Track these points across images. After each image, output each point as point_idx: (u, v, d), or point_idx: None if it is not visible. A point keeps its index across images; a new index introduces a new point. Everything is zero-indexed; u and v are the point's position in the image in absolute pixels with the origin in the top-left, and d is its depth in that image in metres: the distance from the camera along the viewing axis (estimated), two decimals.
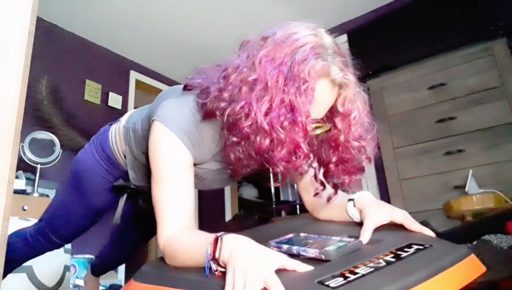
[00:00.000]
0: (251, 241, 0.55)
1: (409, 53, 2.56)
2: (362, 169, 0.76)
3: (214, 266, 0.54)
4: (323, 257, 0.55)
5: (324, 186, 0.81)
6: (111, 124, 1.05)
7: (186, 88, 0.80)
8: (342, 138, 0.70)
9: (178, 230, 0.67)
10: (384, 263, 0.50)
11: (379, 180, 2.71)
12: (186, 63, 3.85)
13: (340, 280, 0.45)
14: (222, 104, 0.67)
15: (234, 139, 0.66)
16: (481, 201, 1.92)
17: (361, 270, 0.48)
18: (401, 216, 0.70)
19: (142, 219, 1.05)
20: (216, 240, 0.55)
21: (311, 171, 0.84)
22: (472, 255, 0.51)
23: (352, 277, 0.46)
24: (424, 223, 1.64)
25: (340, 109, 0.69)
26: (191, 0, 2.94)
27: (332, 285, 0.44)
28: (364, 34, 2.92)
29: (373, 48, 2.79)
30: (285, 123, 0.60)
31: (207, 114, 0.72)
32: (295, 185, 0.98)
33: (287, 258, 0.52)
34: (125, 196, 1.05)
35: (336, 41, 0.69)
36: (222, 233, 0.57)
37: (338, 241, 0.60)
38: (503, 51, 2.24)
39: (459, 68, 2.36)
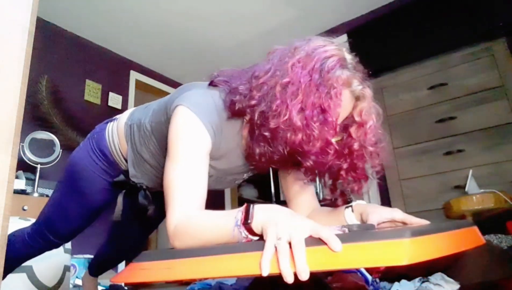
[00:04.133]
0: (284, 208, 0.57)
1: (409, 53, 2.56)
2: (367, 177, 0.80)
3: (244, 232, 0.56)
4: (346, 230, 0.55)
5: (334, 193, 0.83)
6: (107, 123, 1.04)
7: (211, 84, 0.84)
8: (356, 145, 0.74)
9: (192, 210, 0.67)
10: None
11: (379, 180, 2.71)
12: (186, 63, 3.85)
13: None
14: (253, 102, 0.72)
15: (266, 133, 0.70)
16: (481, 201, 1.92)
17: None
18: (401, 213, 0.75)
19: (140, 217, 1.05)
20: (247, 208, 0.58)
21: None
22: (475, 227, 0.50)
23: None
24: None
25: (357, 119, 0.73)
26: (191, 0, 2.94)
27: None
28: (364, 34, 2.92)
29: (373, 48, 2.79)
30: (317, 123, 0.66)
31: (235, 113, 0.77)
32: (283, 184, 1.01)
33: (323, 227, 0.52)
34: (123, 192, 1.04)
35: (354, 58, 0.76)
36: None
37: (352, 225, 0.62)
38: (503, 51, 2.24)
39: (459, 68, 2.36)
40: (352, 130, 0.75)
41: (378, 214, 0.75)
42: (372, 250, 0.43)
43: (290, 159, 0.74)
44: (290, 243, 0.48)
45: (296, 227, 0.50)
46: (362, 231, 0.54)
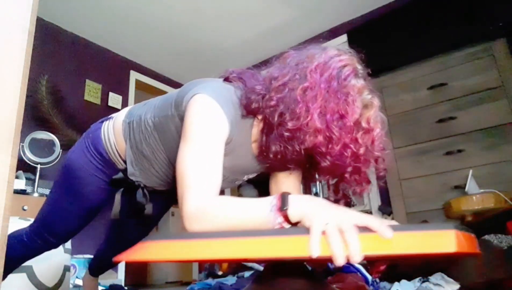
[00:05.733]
0: (318, 198, 0.60)
1: (409, 53, 2.56)
2: (370, 181, 0.83)
3: (279, 219, 0.57)
4: None
5: (337, 194, 0.84)
6: (102, 122, 1.03)
7: (226, 80, 0.86)
8: (362, 150, 0.76)
9: (211, 194, 0.67)
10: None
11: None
12: (186, 63, 3.85)
13: None
14: (272, 103, 0.75)
15: (286, 134, 0.73)
16: (481, 201, 1.92)
17: None
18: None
19: (138, 215, 1.05)
20: (282, 195, 0.59)
21: (298, 174, 0.94)
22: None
23: None
24: (424, 223, 1.64)
25: (365, 125, 0.76)
26: (191, 0, 2.94)
27: None
28: (364, 34, 2.92)
29: (373, 48, 2.78)
30: (337, 127, 0.70)
31: (250, 111, 0.80)
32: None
33: (370, 216, 0.53)
34: (121, 190, 1.04)
35: (364, 69, 0.80)
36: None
37: None
38: (503, 51, 2.24)
39: (459, 68, 2.36)
40: (359, 136, 0.76)
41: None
42: (422, 238, 0.46)
43: (306, 159, 0.77)
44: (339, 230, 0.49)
45: (344, 215, 0.52)
46: (406, 225, 0.56)
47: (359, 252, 0.47)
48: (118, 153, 0.98)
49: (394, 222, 0.68)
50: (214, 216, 0.63)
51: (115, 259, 0.59)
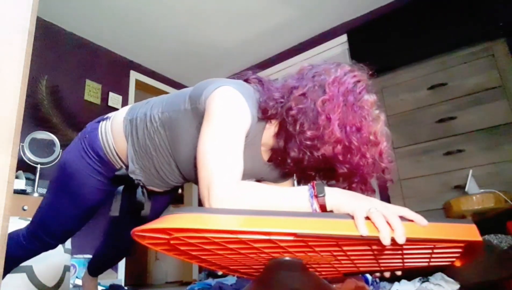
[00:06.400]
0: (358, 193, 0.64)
1: (409, 53, 2.56)
2: (374, 190, 0.86)
3: (315, 205, 0.61)
4: None
5: None
6: (98, 122, 1.03)
7: (246, 81, 0.90)
8: (371, 162, 0.79)
9: (239, 181, 0.67)
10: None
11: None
12: (186, 63, 3.85)
13: None
14: (292, 112, 0.78)
15: (307, 142, 0.77)
16: (481, 201, 1.92)
17: None
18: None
19: (137, 214, 1.04)
20: (316, 183, 0.63)
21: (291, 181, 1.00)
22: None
23: None
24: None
25: (372, 138, 0.79)
26: (191, 0, 2.94)
27: None
28: (364, 34, 2.92)
29: (373, 48, 2.79)
30: (355, 138, 0.74)
31: (267, 116, 0.83)
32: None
33: (404, 208, 0.57)
34: (121, 188, 1.04)
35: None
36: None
37: None
38: (503, 51, 2.24)
39: (459, 68, 2.36)
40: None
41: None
42: (452, 228, 0.54)
43: (323, 166, 0.81)
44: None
45: (382, 204, 0.56)
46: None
47: (403, 233, 0.50)
48: (116, 153, 0.98)
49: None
50: (250, 201, 0.62)
51: (136, 230, 0.51)
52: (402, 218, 0.54)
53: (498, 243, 1.18)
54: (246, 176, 0.95)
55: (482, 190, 1.97)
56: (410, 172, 2.40)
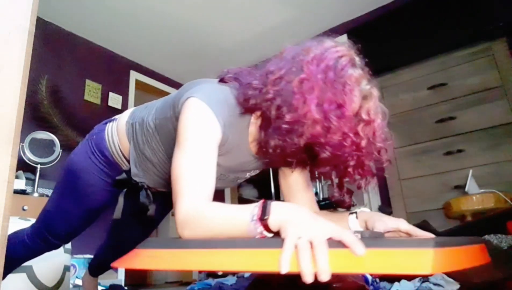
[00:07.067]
0: (303, 208, 0.58)
1: (409, 53, 2.56)
2: (374, 174, 0.82)
3: (260, 228, 0.56)
4: (359, 236, 0.53)
5: (341, 191, 0.84)
6: (105, 123, 1.04)
7: (221, 80, 0.86)
8: (364, 143, 0.75)
9: (203, 200, 0.67)
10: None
11: (379, 180, 2.71)
12: (186, 63, 3.85)
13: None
14: (269, 96, 0.74)
15: (284, 126, 0.72)
16: (481, 201, 1.92)
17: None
18: (406, 224, 0.77)
19: (140, 216, 1.05)
20: (264, 203, 0.58)
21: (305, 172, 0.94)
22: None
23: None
24: (424, 223, 1.64)
25: (365, 117, 0.75)
26: (191, 0, 2.94)
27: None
28: (364, 34, 2.92)
29: (373, 48, 2.78)
30: (335, 117, 0.69)
31: (248, 108, 0.79)
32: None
33: (345, 230, 0.51)
34: (124, 191, 1.04)
35: (362, 60, 0.79)
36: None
37: (363, 231, 0.61)
38: (503, 51, 2.24)
39: (459, 68, 2.36)
40: (360, 128, 0.76)
41: (384, 223, 0.77)
42: (396, 257, 0.43)
43: (306, 151, 0.76)
44: (311, 244, 0.47)
45: (317, 228, 0.50)
46: (383, 238, 0.54)
47: (327, 270, 0.45)
48: (122, 153, 0.98)
49: (429, 235, 0.69)
50: (203, 224, 0.63)
51: (112, 264, 0.61)
52: (340, 244, 0.47)
53: (498, 243, 1.18)
54: (243, 172, 0.95)
55: (482, 190, 1.97)
56: (410, 172, 2.40)
